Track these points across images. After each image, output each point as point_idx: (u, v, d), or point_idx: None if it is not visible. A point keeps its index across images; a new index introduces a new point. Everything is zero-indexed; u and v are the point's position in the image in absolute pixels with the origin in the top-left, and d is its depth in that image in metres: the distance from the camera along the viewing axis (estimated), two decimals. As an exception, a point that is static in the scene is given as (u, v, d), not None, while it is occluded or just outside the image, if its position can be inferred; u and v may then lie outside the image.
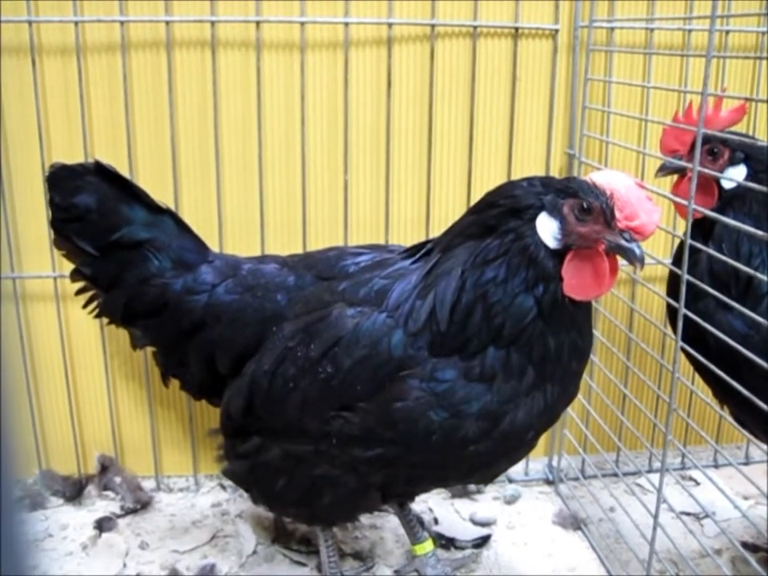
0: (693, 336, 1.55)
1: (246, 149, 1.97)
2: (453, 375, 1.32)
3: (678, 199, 1.61)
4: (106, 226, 1.58)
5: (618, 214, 1.26)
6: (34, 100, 1.86)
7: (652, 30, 2.00)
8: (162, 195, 1.81)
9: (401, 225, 2.06)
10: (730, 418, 1.68)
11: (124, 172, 1.83)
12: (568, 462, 2.19)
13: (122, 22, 1.85)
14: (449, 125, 2.03)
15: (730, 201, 1.62)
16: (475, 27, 1.97)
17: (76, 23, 1.84)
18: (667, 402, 1.56)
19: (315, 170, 2.01)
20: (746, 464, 2.28)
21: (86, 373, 2.07)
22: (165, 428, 2.14)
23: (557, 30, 2.00)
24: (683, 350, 1.56)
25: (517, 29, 1.99)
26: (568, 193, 1.29)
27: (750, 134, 1.92)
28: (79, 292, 1.69)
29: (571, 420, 2.16)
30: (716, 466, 2.27)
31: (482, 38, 1.99)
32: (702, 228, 1.62)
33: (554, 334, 1.33)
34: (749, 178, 1.60)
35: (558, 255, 1.30)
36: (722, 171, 1.62)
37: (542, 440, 2.15)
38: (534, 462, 2.25)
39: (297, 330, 1.45)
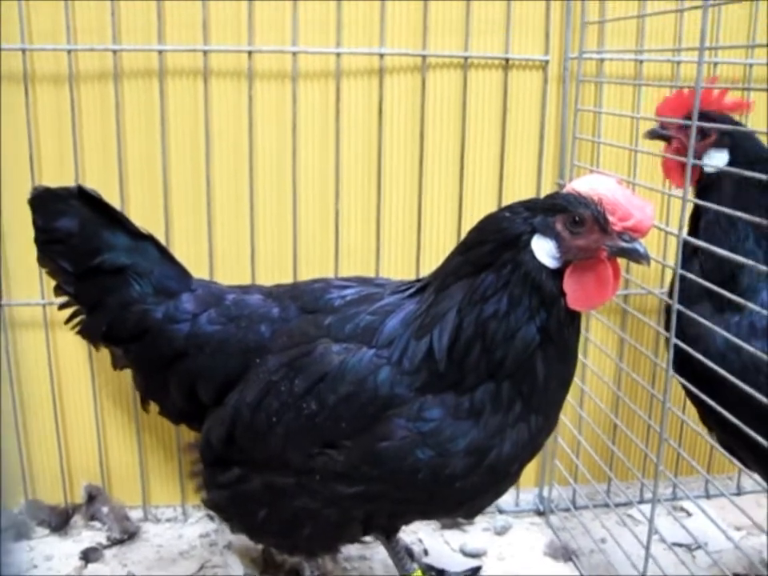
0: (682, 357, 1.54)
1: (237, 177, 1.97)
2: (440, 414, 1.31)
3: (674, 156, 1.63)
4: (88, 250, 1.58)
5: (611, 218, 1.24)
6: (26, 127, 1.86)
7: (641, 61, 2.02)
8: (153, 223, 1.83)
9: (392, 254, 2.06)
10: (720, 448, 1.67)
11: (115, 199, 1.87)
12: (559, 493, 2.18)
13: (114, 51, 1.86)
14: (440, 155, 2.03)
15: (709, 186, 1.65)
16: (466, 58, 1.98)
17: (69, 51, 1.85)
18: (658, 431, 1.55)
19: (306, 199, 2.01)
20: (737, 494, 2.27)
21: (74, 401, 2.05)
22: (153, 457, 2.12)
23: (547, 62, 2.01)
24: (676, 363, 1.56)
25: (507, 60, 2.00)
26: (556, 210, 1.28)
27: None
28: (63, 306, 1.68)
29: (562, 450, 2.14)
30: (707, 497, 2.25)
31: (473, 68, 2.01)
32: (690, 224, 1.64)
33: (549, 363, 1.32)
34: (728, 165, 1.62)
35: (559, 274, 1.29)
36: (705, 151, 1.65)
37: (533, 470, 2.22)
38: (525, 493, 2.24)
39: (281, 364, 1.43)
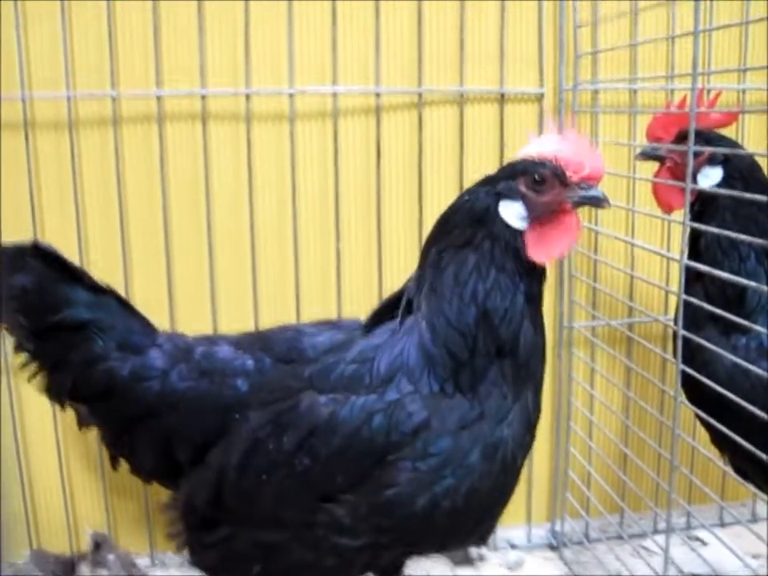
0: (691, 382, 1.55)
1: (238, 220, 1.97)
2: (448, 443, 1.28)
3: (662, 180, 1.65)
4: (47, 307, 1.52)
5: (567, 172, 1.30)
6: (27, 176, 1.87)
7: (635, 90, 2.03)
8: (154, 267, 1.84)
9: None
10: (733, 473, 1.66)
11: (113, 247, 1.88)
12: (571, 526, 2.15)
13: (113, 98, 1.87)
14: (439, 191, 2.03)
15: (706, 206, 1.64)
16: (462, 94, 2.00)
17: (68, 98, 1.86)
18: (669, 459, 1.53)
19: (307, 239, 2.01)
20: (753, 521, 2.24)
21: (78, 448, 2.03)
22: (159, 503, 2.08)
23: (542, 94, 2.03)
24: (685, 389, 1.56)
25: (503, 94, 2.01)
26: (517, 173, 1.32)
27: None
28: (25, 365, 1.60)
29: (573, 483, 2.12)
30: (722, 525, 2.21)
31: (469, 104, 2.02)
32: (690, 247, 1.62)
33: (532, 331, 1.33)
34: (723, 181, 1.63)
35: (525, 234, 1.32)
36: (699, 169, 1.64)
37: (544, 504, 2.20)
38: (537, 528, 2.21)
39: (266, 420, 1.38)
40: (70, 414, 1.84)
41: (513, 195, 1.31)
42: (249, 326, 1.88)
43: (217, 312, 1.98)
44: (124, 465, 1.59)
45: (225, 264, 1.99)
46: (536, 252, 1.31)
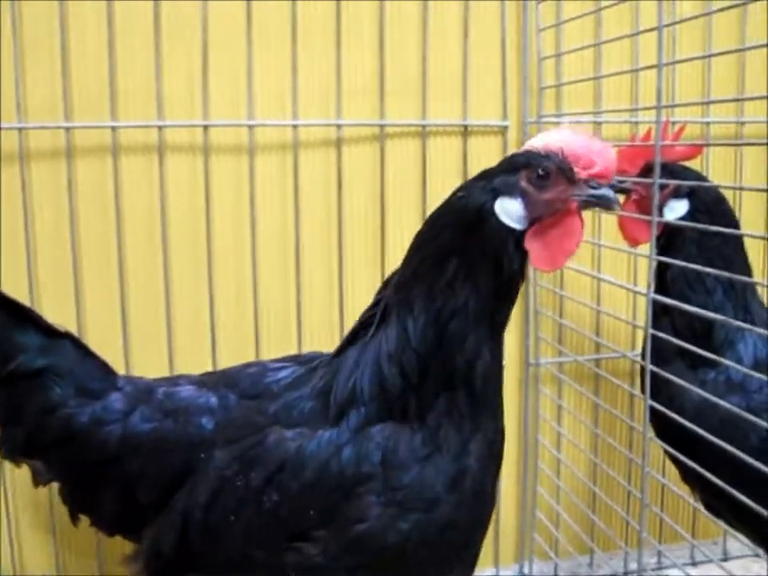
0: (659, 418, 1.53)
1: (194, 256, 1.92)
2: (412, 476, 1.23)
3: (633, 214, 1.66)
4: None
5: (575, 167, 1.20)
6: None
7: (600, 123, 2.02)
8: (107, 311, 1.78)
9: None
10: (704, 510, 1.65)
11: (65, 285, 1.82)
12: (540, 568, 2.11)
13: (67, 129, 1.82)
14: (401, 225, 2.00)
15: (672, 239, 1.63)
16: (424, 126, 1.97)
17: (20, 130, 1.81)
18: (639, 497, 1.51)
19: (267, 276, 1.95)
20: (724, 560, 2.22)
21: (27, 503, 1.93)
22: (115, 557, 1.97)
23: (506, 127, 2.01)
24: (654, 425, 1.56)
25: (466, 126, 1.99)
26: (518, 167, 1.22)
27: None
28: None
29: (541, 523, 2.09)
30: (694, 564, 2.18)
31: (432, 136, 2.00)
32: (657, 278, 1.62)
33: (492, 354, 1.25)
34: (689, 214, 1.62)
35: (521, 238, 1.22)
36: (665, 202, 1.64)
37: (512, 546, 2.15)
38: (505, 570, 2.16)
39: (232, 458, 1.34)
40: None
41: (512, 191, 1.20)
42: (207, 367, 1.82)
43: (173, 353, 1.92)
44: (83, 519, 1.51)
45: (181, 302, 1.94)
46: (534, 258, 1.22)
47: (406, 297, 1.25)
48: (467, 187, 1.24)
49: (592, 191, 1.21)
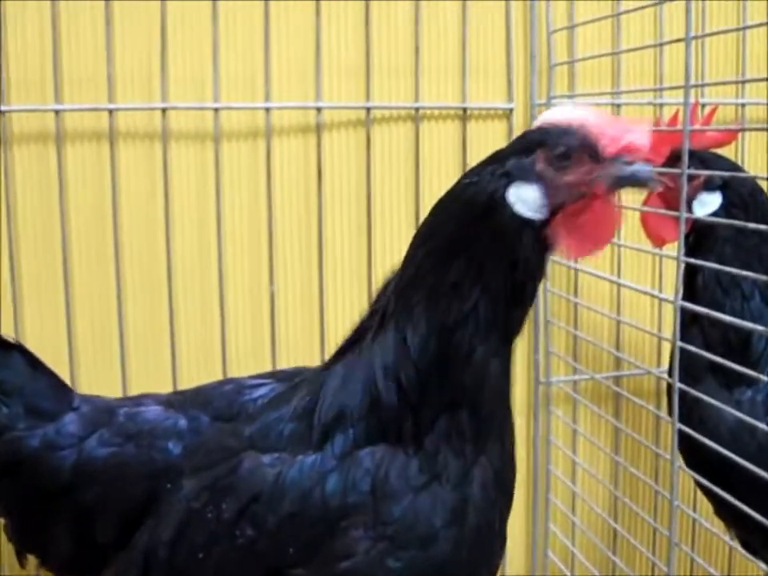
0: (689, 443, 1.43)
1: (150, 256, 1.77)
2: (400, 510, 1.12)
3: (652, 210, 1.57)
4: None
5: (600, 143, 1.08)
6: None
7: (619, 105, 1.89)
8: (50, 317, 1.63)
9: (338, 342, 1.86)
10: (740, 548, 1.58)
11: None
12: (554, 617, 1.98)
13: (2, 112, 1.66)
14: (390, 222, 1.86)
15: (703, 237, 1.55)
16: (417, 109, 1.83)
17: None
18: (667, 535, 1.40)
19: (235, 282, 1.81)
20: (763, 604, 2.11)
21: None
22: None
23: (511, 110, 1.88)
24: (683, 452, 1.49)
25: (465, 109, 1.86)
26: (533, 146, 1.10)
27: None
28: None
29: (553, 565, 1.97)
30: (729, 609, 2.07)
31: (426, 120, 1.86)
32: (686, 283, 1.53)
33: (501, 371, 1.15)
34: (722, 209, 1.54)
35: (541, 239, 1.11)
36: (695, 195, 1.55)
37: None
38: (515, 617, 2.03)
39: (201, 487, 1.23)
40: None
41: (527, 176, 1.09)
42: (165, 387, 1.68)
43: (126, 370, 1.76)
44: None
45: (136, 310, 1.79)
46: (570, 247, 1.13)
47: (405, 302, 1.15)
48: (475, 173, 1.13)
49: (625, 168, 1.09)
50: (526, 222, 1.09)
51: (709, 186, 1.54)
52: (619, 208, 1.27)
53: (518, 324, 1.15)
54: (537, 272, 1.13)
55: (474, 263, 1.10)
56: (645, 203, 1.59)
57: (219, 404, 1.33)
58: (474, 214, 1.11)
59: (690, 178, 1.48)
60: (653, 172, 1.09)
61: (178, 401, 1.39)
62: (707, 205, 1.54)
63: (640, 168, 1.08)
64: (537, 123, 1.15)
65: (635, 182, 1.10)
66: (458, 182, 1.15)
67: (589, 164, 1.08)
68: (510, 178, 1.09)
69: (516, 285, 1.11)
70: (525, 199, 1.09)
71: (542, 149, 1.09)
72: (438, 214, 1.17)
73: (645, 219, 1.61)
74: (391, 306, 1.18)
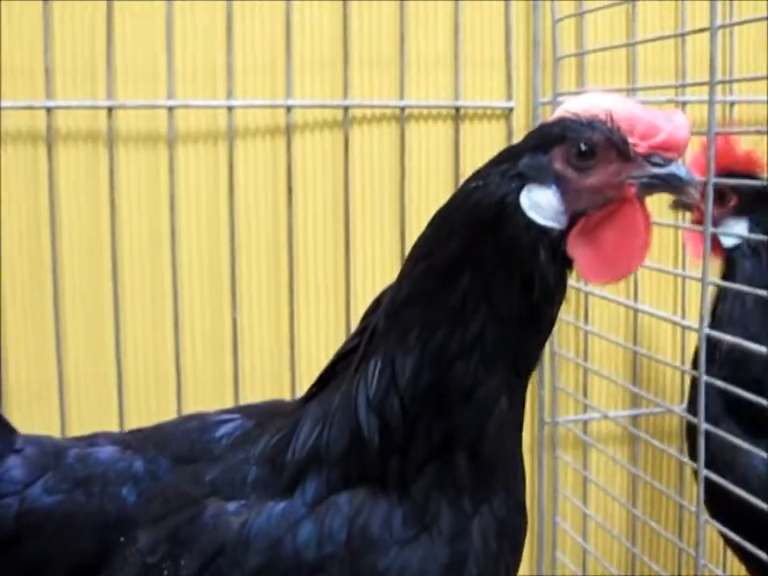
0: (715, 492, 1.37)
1: (94, 274, 1.66)
2: (386, 564, 1.04)
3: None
4: None
5: (631, 139, 0.97)
6: None
7: None
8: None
9: (312, 374, 1.72)
10: None
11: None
12: None
13: None
14: (372, 237, 1.79)
15: (729, 267, 1.53)
16: (402, 108, 1.73)
17: None
18: None
19: (192, 305, 1.72)
20: None
21: None
22: None
23: (511, 109, 1.80)
24: (708, 502, 1.42)
25: (458, 108, 1.77)
26: (551, 142, 0.99)
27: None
28: None
29: None
30: None
31: (414, 121, 1.77)
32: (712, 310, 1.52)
33: (506, 413, 1.07)
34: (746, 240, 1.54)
35: (560, 252, 1.02)
36: (721, 220, 1.52)
37: None
38: None
39: (158, 539, 1.15)
40: None
41: (543, 177, 0.99)
42: (112, 427, 1.59)
43: (65, 407, 1.64)
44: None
45: (78, 339, 1.69)
46: (582, 268, 1.02)
47: (398, 325, 1.06)
48: (483, 174, 1.03)
49: (657, 170, 0.98)
50: (542, 232, 0.97)
51: (738, 212, 1.51)
52: (651, 219, 1.12)
53: (533, 356, 1.06)
54: (555, 294, 1.01)
55: (480, 281, 1.00)
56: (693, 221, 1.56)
57: (180, 444, 1.25)
58: (480, 223, 1.00)
59: (721, 201, 1.45)
60: (692, 176, 0.97)
61: (136, 440, 1.30)
62: (734, 231, 1.52)
63: (675, 170, 0.96)
64: (556, 114, 1.04)
65: (672, 186, 0.97)
66: (464, 185, 1.05)
67: (616, 163, 0.97)
68: (523, 180, 0.99)
69: (532, 306, 1.00)
70: (540, 204, 0.98)
71: (561, 145, 0.98)
72: (439, 224, 1.07)
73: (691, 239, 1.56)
74: (381, 328, 1.07)
